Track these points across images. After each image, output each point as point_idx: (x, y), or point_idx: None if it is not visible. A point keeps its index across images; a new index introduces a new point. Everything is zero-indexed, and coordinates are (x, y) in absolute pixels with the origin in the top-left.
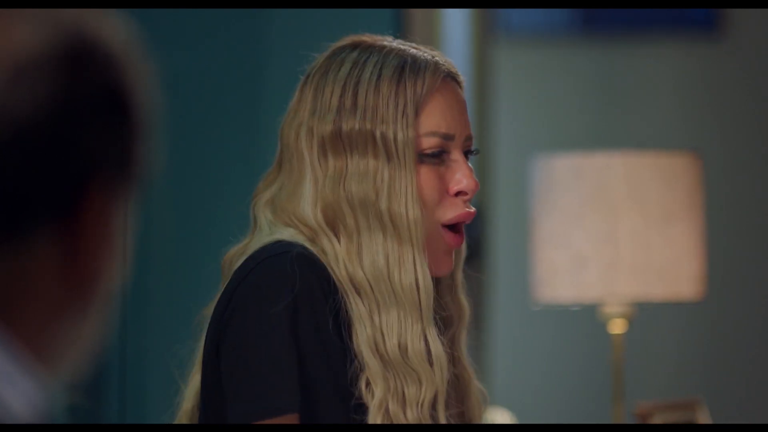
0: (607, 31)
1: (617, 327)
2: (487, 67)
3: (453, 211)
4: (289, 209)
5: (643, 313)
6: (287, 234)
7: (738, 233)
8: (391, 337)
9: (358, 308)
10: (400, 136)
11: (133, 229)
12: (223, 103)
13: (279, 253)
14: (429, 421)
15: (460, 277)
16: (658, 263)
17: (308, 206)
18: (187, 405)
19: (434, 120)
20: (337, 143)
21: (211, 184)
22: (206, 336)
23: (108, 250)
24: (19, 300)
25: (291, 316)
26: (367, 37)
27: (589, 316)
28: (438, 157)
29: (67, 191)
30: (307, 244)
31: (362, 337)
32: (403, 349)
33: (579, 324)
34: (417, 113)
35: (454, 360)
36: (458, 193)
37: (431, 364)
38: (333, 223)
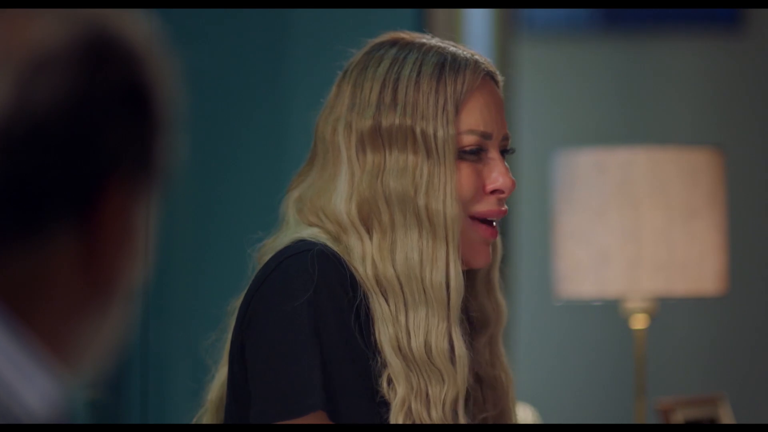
0: (629, 27)
1: (639, 322)
2: (509, 63)
3: (485, 206)
4: (318, 204)
5: (665, 309)
6: (309, 233)
7: (761, 229)
8: (417, 336)
9: (381, 307)
10: (440, 132)
11: (154, 226)
12: (245, 101)
13: (299, 252)
14: (451, 422)
15: (497, 276)
16: (681, 258)
17: (342, 202)
18: (212, 395)
19: (473, 118)
20: (376, 138)
21: (233, 180)
22: (232, 333)
23: (128, 246)
24: (38, 296)
25: (312, 314)
26: (406, 35)
27: (611, 311)
28: (476, 154)
29: (87, 187)
30: (330, 243)
31: (384, 337)
32: (428, 347)
33: (601, 319)
34: (457, 111)
35: (492, 361)
36: (494, 191)
37: (454, 363)
38: (367, 219)
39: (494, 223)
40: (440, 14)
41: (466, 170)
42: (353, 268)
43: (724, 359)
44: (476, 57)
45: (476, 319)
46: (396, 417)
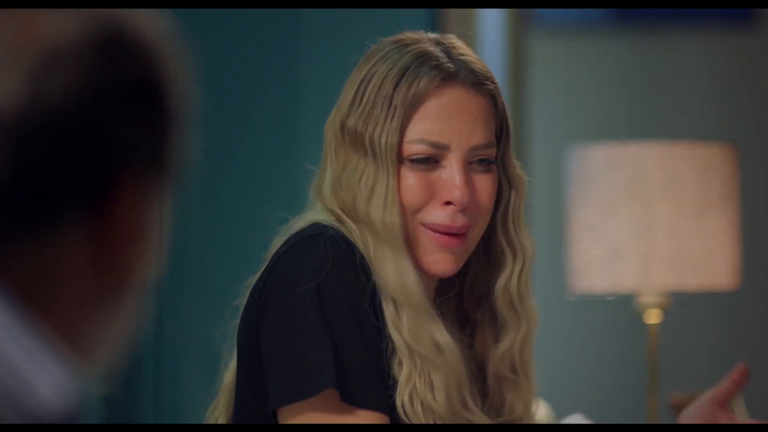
0: (642, 24)
1: (653, 317)
2: (522, 58)
3: (435, 217)
4: (325, 193)
5: (678, 304)
6: (324, 217)
7: None
8: (403, 325)
9: (386, 305)
10: (383, 139)
11: (167, 221)
12: (256, 98)
13: (312, 235)
14: (459, 407)
15: (526, 280)
16: (694, 253)
17: (328, 194)
18: (228, 380)
19: (424, 127)
20: (343, 139)
21: (245, 176)
22: (243, 315)
23: (140, 241)
24: (50, 290)
25: (323, 296)
26: (414, 35)
27: (624, 306)
28: (426, 163)
29: (99, 182)
30: (346, 233)
31: (387, 315)
32: (413, 338)
33: (614, 314)
34: (408, 117)
35: (513, 366)
36: (447, 203)
37: (442, 353)
38: (347, 213)
39: (450, 232)
40: (454, 11)
41: (413, 178)
42: (384, 280)
43: (737, 354)
44: (448, 63)
45: (502, 321)
46: (402, 394)
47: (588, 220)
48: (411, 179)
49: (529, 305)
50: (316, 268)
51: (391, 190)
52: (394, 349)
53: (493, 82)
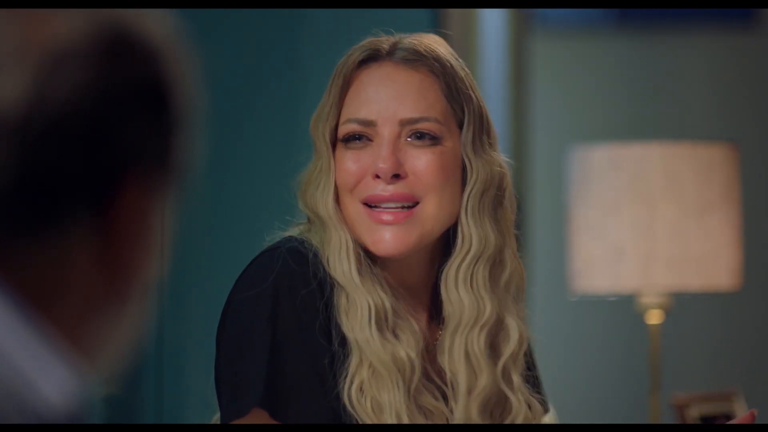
0: (643, 24)
1: (654, 318)
2: (524, 58)
3: (366, 191)
4: (305, 198)
5: (679, 304)
6: (300, 229)
7: None
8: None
9: (339, 298)
10: (320, 127)
11: (170, 222)
12: (260, 100)
13: (270, 249)
14: (411, 400)
15: (462, 272)
16: (695, 254)
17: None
18: None
19: (353, 106)
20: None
21: (249, 178)
22: None
23: (145, 242)
24: (56, 291)
25: (264, 307)
26: (380, 36)
27: (626, 306)
28: (359, 140)
29: (104, 182)
30: (315, 239)
31: (341, 313)
32: (350, 322)
33: (616, 315)
34: (341, 101)
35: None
36: (377, 176)
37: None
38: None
39: (393, 208)
40: (455, 11)
41: (348, 158)
42: (326, 263)
43: (739, 354)
44: (381, 45)
45: (446, 313)
46: (348, 389)
47: (589, 221)
48: (345, 159)
49: (460, 299)
50: (262, 280)
51: (325, 173)
52: (346, 355)
53: (439, 62)
